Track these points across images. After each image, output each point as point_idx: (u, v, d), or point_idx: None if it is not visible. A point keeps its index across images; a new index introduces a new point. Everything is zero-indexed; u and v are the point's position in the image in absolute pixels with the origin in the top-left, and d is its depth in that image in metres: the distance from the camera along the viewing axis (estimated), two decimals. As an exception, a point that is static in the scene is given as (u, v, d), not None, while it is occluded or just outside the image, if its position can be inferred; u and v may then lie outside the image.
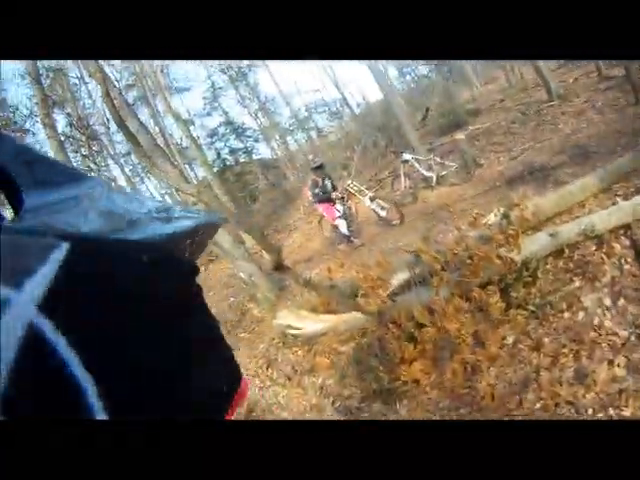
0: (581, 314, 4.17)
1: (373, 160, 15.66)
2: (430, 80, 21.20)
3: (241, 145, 25.74)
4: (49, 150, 16.99)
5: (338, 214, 9.24)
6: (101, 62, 8.08)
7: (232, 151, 25.65)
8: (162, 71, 20.89)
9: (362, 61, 13.39)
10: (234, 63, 24.06)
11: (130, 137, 6.74)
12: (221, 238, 8.37)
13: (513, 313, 4.40)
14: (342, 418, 4.92)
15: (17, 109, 17.80)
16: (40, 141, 18.89)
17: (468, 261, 4.58)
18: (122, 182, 21.37)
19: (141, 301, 0.59)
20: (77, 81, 18.08)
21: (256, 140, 25.83)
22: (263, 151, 26.64)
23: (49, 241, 0.50)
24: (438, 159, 10.19)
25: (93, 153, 18.21)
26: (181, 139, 21.86)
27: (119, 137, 19.18)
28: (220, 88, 25.48)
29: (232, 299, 10.23)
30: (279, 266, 4.74)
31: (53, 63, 16.84)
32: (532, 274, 4.61)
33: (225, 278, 12.45)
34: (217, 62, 24.11)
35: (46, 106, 14.98)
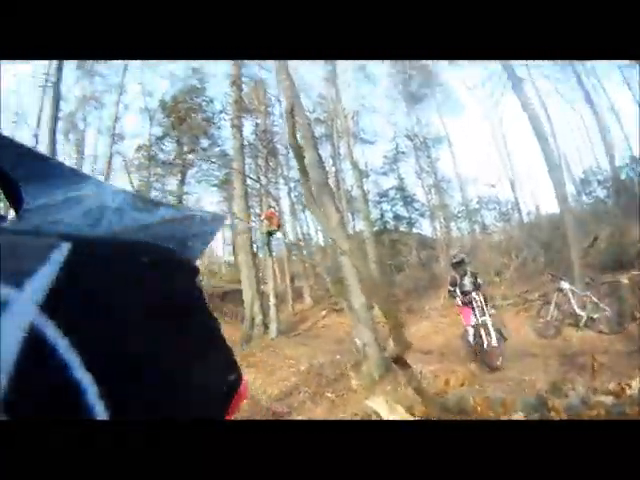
0: None
1: (528, 276, 14.74)
2: (606, 206, 19.63)
3: (406, 214, 25.72)
4: (230, 148, 18.80)
5: (473, 321, 8.51)
6: (299, 91, 8.52)
7: (396, 217, 25.57)
8: (353, 118, 21.70)
9: (543, 167, 12.91)
10: (420, 133, 24.45)
11: (301, 165, 7.01)
12: (354, 295, 8.33)
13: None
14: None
15: (212, 101, 19.79)
16: (222, 137, 20.88)
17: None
18: (285, 204, 22.42)
19: (141, 302, 0.59)
20: (273, 98, 19.29)
21: (421, 215, 25.61)
22: (425, 228, 26.41)
23: (50, 241, 0.51)
24: (594, 298, 9.24)
25: (268, 167, 19.25)
26: (352, 187, 22.49)
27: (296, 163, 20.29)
28: (402, 153, 25.79)
29: (338, 357, 10.10)
30: (399, 360, 4.60)
31: (257, 72, 18.53)
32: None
33: (341, 333, 12.44)
34: (405, 126, 24.76)
35: (239, 109, 16.36)
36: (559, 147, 19.97)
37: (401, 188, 25.82)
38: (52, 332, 0.45)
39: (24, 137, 16.53)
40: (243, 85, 17.82)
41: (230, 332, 15.43)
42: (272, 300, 15.50)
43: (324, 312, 17.13)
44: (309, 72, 20.81)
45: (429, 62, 20.75)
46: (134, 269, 0.60)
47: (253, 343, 14.20)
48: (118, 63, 20.53)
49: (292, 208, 23.66)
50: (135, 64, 20.89)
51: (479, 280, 9.00)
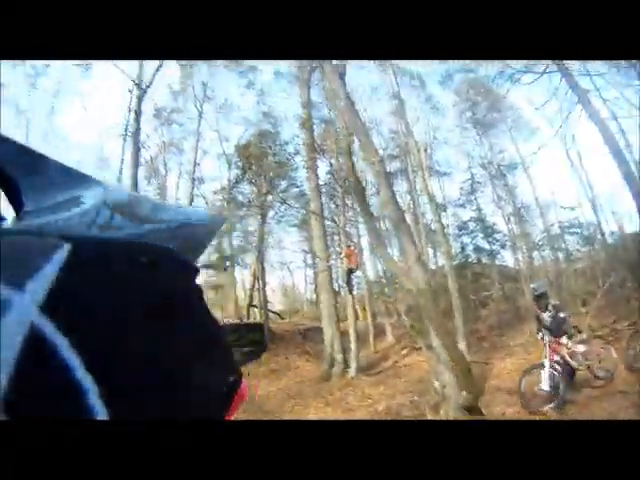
0: None
1: (616, 302, 13.66)
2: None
3: (487, 246, 24.69)
4: (307, 189, 19.27)
5: (549, 360, 7.91)
6: (369, 128, 8.30)
7: (477, 249, 24.55)
8: (426, 151, 21.26)
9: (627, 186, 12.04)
10: (495, 160, 23.65)
11: (362, 206, 6.98)
12: (433, 335, 8.07)
13: None
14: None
15: (286, 144, 20.37)
16: (298, 177, 21.40)
17: None
18: (364, 242, 22.30)
19: (141, 301, 0.60)
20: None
21: (502, 246, 24.41)
22: (507, 259, 25.20)
23: (50, 241, 0.52)
24: None
25: (345, 206, 19.25)
26: (431, 222, 22.08)
27: (374, 200, 19.36)
28: (479, 182, 24.93)
29: (416, 397, 9.85)
30: (472, 409, 4.45)
31: (327, 113, 18.69)
32: None
33: (422, 373, 12.08)
34: (479, 155, 23.99)
35: (312, 150, 16.51)
36: (634, 156, 18.75)
37: (480, 219, 24.89)
38: (52, 332, 0.46)
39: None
40: (314, 126, 18.12)
41: (311, 370, 15.39)
42: (352, 338, 15.36)
43: (405, 351, 16.72)
44: (377, 108, 20.82)
45: (492, 85, 20.09)
46: (134, 269, 0.61)
47: (332, 381, 14.06)
48: (193, 112, 21.53)
49: (372, 246, 23.43)
50: (209, 112, 21.88)
51: (561, 314, 8.47)
